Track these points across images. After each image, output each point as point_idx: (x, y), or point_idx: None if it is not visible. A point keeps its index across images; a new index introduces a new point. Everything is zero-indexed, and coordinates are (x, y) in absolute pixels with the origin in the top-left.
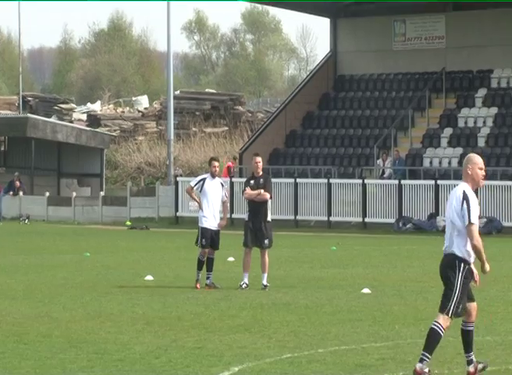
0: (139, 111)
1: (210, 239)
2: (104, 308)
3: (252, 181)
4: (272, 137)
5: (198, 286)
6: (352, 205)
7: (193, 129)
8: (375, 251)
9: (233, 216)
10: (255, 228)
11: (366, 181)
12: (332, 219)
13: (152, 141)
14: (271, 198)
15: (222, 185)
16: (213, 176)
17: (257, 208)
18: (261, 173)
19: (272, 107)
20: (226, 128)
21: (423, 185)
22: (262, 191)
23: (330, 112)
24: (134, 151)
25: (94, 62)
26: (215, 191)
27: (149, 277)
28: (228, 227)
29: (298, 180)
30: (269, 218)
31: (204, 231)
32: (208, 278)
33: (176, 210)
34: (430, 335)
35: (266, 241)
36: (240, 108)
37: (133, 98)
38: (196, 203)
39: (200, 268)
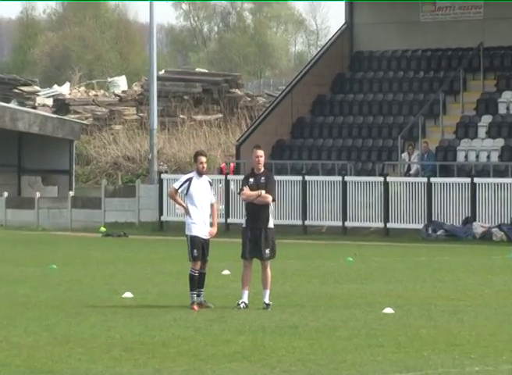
0: (116, 95)
1: (202, 249)
2: (73, 331)
3: (251, 179)
4: (276, 126)
5: (196, 308)
6: (372, 207)
7: (181, 116)
8: (400, 263)
9: (229, 220)
10: (254, 236)
11: (388, 179)
12: (347, 224)
13: (132, 131)
14: (274, 200)
15: (210, 184)
16: (200, 174)
17: (257, 212)
18: (262, 169)
19: (276, 90)
20: (221, 115)
21: (457, 184)
22: (263, 191)
23: (345, 96)
24: (110, 143)
25: (61, 35)
26: (203, 192)
27: (128, 295)
28: (222, 234)
29: (307, 177)
30: (271, 224)
31: (195, 240)
32: (198, 295)
33: (161, 214)
34: None
35: (267, 252)
36: (237, 91)
37: (109, 80)
38: (182, 208)
39: (194, 287)
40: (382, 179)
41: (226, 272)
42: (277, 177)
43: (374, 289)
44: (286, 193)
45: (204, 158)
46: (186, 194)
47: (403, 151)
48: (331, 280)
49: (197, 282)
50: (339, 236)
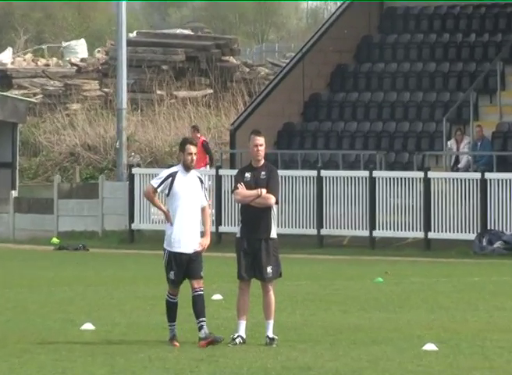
0: (73, 64)
1: (184, 269)
2: (17, 374)
3: (248, 174)
4: (282, 104)
5: (176, 343)
6: (408, 211)
7: (159, 92)
8: (445, 285)
9: (221, 229)
10: (253, 249)
11: (430, 175)
12: (376, 234)
13: (94, 112)
14: (277, 202)
15: (201, 181)
16: (187, 168)
17: (255, 217)
18: (262, 161)
19: (283, 58)
20: (210, 91)
21: None
22: (264, 190)
23: (373, 66)
24: (65, 128)
25: None
26: (191, 191)
27: (88, 326)
28: (212, 247)
29: (323, 172)
30: (274, 233)
31: (174, 258)
32: (200, 328)
33: (131, 220)
34: None
35: (270, 270)
36: (232, 59)
37: (64, 44)
38: (161, 213)
39: (172, 317)
40: (421, 174)
41: (217, 296)
42: (283, 172)
43: (411, 319)
44: (295, 193)
45: (193, 148)
46: (168, 194)
47: (449, 139)
48: (355, 307)
49: (175, 311)
50: (366, 249)
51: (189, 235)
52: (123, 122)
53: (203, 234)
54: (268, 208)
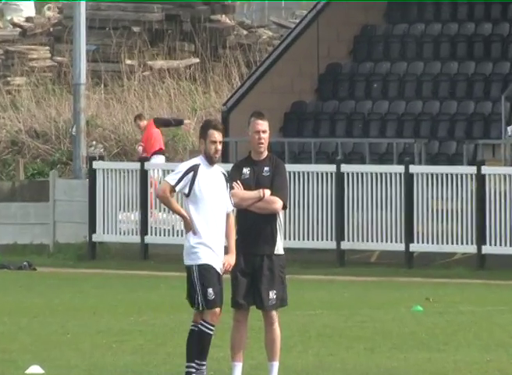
0: (15, 25)
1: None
2: None
3: (247, 170)
4: (291, 78)
5: None
6: (456, 218)
7: (128, 62)
8: (504, 316)
9: None
10: (252, 268)
11: (485, 170)
12: (414, 247)
13: (43, 88)
14: (285, 207)
15: (226, 180)
16: (211, 160)
17: (255, 227)
18: (265, 153)
19: (291, 17)
20: (196, 60)
21: None
22: (267, 191)
23: (410, 28)
24: (5, 109)
25: None
26: (217, 191)
27: (35, 370)
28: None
29: (344, 167)
30: (280, 248)
31: (209, 273)
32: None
33: (92, 230)
34: None
35: (273, 296)
36: (225, 19)
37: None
38: (182, 220)
39: (204, 355)
40: (473, 170)
41: None
42: (291, 167)
43: (460, 359)
44: (307, 194)
45: (218, 135)
46: (189, 194)
47: (509, 123)
48: (386, 344)
49: (208, 347)
50: (400, 268)
51: (215, 249)
52: (82, 101)
53: (226, 250)
54: (273, 216)
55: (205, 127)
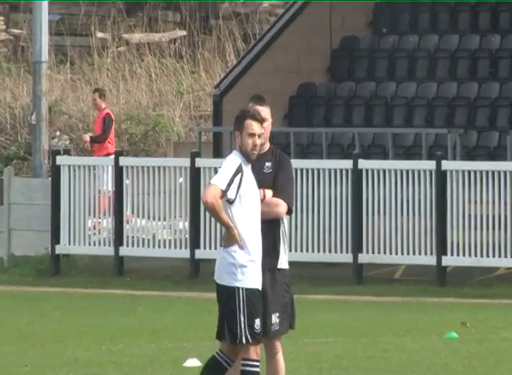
0: None
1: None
2: None
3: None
4: (297, 55)
5: None
6: (498, 225)
7: (100, 35)
8: None
9: (197, 254)
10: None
11: None
12: (448, 261)
13: None
14: (290, 211)
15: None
16: (249, 158)
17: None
18: (267, 146)
19: None
20: (182, 33)
21: None
22: (269, 192)
23: None
24: None
25: None
26: (258, 196)
27: (193, 363)
28: (185, 282)
29: (363, 163)
30: (285, 261)
31: (257, 298)
32: None
33: (55, 240)
34: None
35: (275, 320)
36: None
37: None
38: (230, 233)
39: None
40: None
41: (193, 362)
42: (298, 163)
43: None
44: (317, 195)
45: (258, 127)
46: (234, 201)
47: None
48: None
49: None
50: (431, 286)
51: (260, 262)
52: (43, 83)
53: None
54: (275, 222)
55: (241, 117)
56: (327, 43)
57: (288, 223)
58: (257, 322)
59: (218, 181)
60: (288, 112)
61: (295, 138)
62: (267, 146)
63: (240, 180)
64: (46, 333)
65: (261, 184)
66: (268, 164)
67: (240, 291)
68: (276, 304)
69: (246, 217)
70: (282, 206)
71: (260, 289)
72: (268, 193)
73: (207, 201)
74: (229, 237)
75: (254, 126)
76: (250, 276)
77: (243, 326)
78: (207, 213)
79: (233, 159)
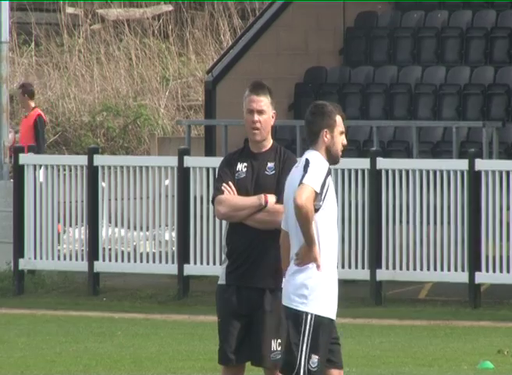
0: None
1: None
2: None
3: (242, 166)
4: (304, 35)
5: None
6: None
7: (70, 11)
8: None
9: (186, 270)
10: (248, 307)
11: None
12: (482, 278)
13: None
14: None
15: None
16: (335, 161)
17: (254, 248)
18: (269, 142)
19: None
20: (168, 8)
21: None
22: (271, 197)
23: None
24: None
25: None
26: (335, 206)
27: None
28: (173, 302)
29: (382, 162)
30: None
31: (330, 329)
32: None
33: (19, 254)
34: None
35: (276, 347)
36: None
37: None
38: (304, 251)
39: None
40: None
41: None
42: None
43: None
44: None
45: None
46: (318, 209)
47: None
48: None
49: None
50: (462, 307)
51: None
52: (3, 67)
53: None
54: (279, 233)
55: (332, 113)
56: (339, 20)
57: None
58: (316, 358)
59: (312, 182)
60: (293, 101)
61: (301, 133)
62: (269, 143)
63: (328, 184)
64: (8, 363)
65: (263, 188)
66: (270, 165)
67: (309, 318)
68: (278, 328)
69: (327, 230)
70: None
71: (334, 319)
72: (271, 199)
73: (302, 204)
74: (308, 254)
75: (342, 124)
76: (326, 303)
77: (303, 358)
78: (197, 222)
79: (321, 159)
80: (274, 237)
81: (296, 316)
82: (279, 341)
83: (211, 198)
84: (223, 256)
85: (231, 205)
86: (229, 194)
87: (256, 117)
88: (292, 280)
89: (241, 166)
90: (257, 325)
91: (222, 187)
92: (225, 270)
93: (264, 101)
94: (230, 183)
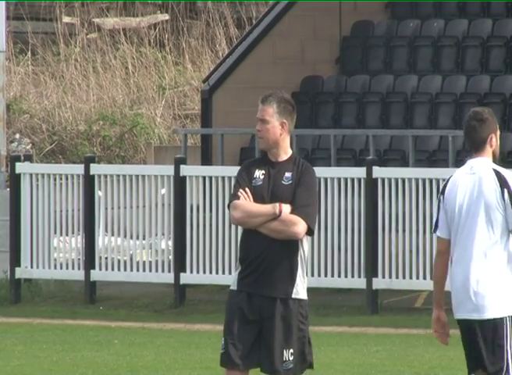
0: None
1: None
2: None
3: (260, 173)
4: (301, 43)
5: None
6: None
7: (67, 20)
8: None
9: (183, 278)
10: (259, 314)
11: None
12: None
13: None
14: (311, 232)
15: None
16: (495, 161)
17: (267, 256)
18: (289, 153)
19: None
20: (165, 17)
21: None
22: (286, 207)
23: None
24: None
25: None
26: None
27: None
28: (169, 310)
29: (378, 171)
30: (302, 290)
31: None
32: None
33: (15, 262)
34: None
35: (287, 356)
36: None
37: None
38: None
39: None
40: None
41: None
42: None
43: None
44: (326, 210)
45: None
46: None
47: None
48: None
49: None
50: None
51: None
52: (0, 76)
53: None
54: (294, 244)
55: (494, 117)
56: (336, 29)
57: (309, 245)
58: None
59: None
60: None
61: (298, 142)
62: (286, 153)
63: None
64: (5, 371)
65: (279, 197)
66: (287, 175)
67: (508, 321)
68: (290, 338)
69: (456, 237)
70: (300, 225)
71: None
72: (286, 208)
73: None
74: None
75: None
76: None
77: (510, 358)
78: (193, 231)
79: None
80: (288, 247)
81: (498, 324)
82: (291, 350)
83: (227, 203)
84: (236, 264)
85: (245, 211)
86: (245, 200)
87: (258, 126)
88: (491, 288)
89: (259, 174)
90: (268, 333)
91: (239, 193)
92: (237, 276)
93: (267, 111)
94: (247, 189)
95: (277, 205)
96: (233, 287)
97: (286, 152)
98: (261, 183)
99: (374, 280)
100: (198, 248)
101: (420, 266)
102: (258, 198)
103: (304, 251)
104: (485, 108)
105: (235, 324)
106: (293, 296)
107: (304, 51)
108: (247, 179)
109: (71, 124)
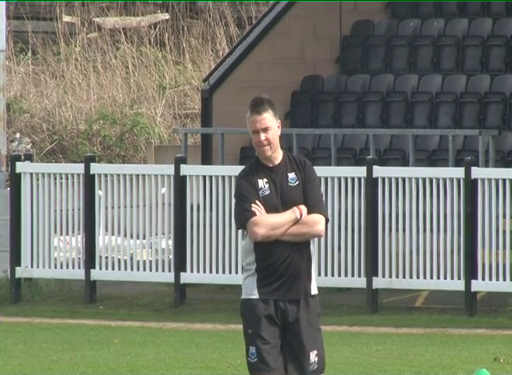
0: None
1: None
2: None
3: (263, 182)
4: (301, 42)
5: None
6: None
7: (67, 19)
8: None
9: (183, 278)
10: (283, 319)
11: None
12: (478, 286)
13: None
14: (327, 221)
15: None
16: None
17: (288, 261)
18: (279, 155)
19: None
20: (165, 17)
21: None
22: (303, 208)
23: None
24: None
25: None
26: None
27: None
28: (169, 309)
29: (378, 170)
30: (315, 284)
31: None
32: None
33: (16, 262)
34: None
35: (313, 358)
36: None
37: None
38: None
39: None
40: None
41: None
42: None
43: None
44: (325, 208)
45: None
46: None
47: None
48: None
49: None
50: (458, 315)
51: None
52: (0, 75)
53: None
54: (306, 242)
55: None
56: (336, 28)
57: (313, 244)
58: None
59: None
60: (290, 110)
61: (298, 141)
62: (279, 154)
63: None
64: (5, 371)
65: (290, 201)
66: (291, 175)
67: None
68: (314, 339)
69: None
70: (321, 223)
71: None
72: (304, 210)
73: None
74: None
75: None
76: None
77: None
78: (194, 230)
79: None
80: (303, 247)
81: None
82: (315, 352)
83: (239, 222)
84: (244, 270)
85: (268, 225)
86: (262, 215)
87: (262, 136)
88: None
89: (262, 183)
90: (295, 337)
91: (253, 209)
92: (256, 284)
93: (267, 118)
94: (258, 202)
95: (296, 209)
96: (252, 296)
97: (279, 152)
98: (268, 192)
99: (374, 279)
100: (198, 248)
101: (420, 266)
102: (271, 208)
103: (312, 244)
104: None
105: (265, 331)
106: (312, 293)
107: (305, 50)
108: (252, 191)
109: (71, 124)
